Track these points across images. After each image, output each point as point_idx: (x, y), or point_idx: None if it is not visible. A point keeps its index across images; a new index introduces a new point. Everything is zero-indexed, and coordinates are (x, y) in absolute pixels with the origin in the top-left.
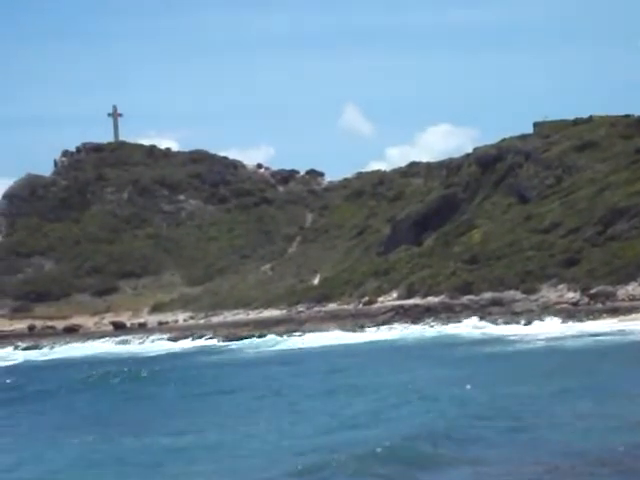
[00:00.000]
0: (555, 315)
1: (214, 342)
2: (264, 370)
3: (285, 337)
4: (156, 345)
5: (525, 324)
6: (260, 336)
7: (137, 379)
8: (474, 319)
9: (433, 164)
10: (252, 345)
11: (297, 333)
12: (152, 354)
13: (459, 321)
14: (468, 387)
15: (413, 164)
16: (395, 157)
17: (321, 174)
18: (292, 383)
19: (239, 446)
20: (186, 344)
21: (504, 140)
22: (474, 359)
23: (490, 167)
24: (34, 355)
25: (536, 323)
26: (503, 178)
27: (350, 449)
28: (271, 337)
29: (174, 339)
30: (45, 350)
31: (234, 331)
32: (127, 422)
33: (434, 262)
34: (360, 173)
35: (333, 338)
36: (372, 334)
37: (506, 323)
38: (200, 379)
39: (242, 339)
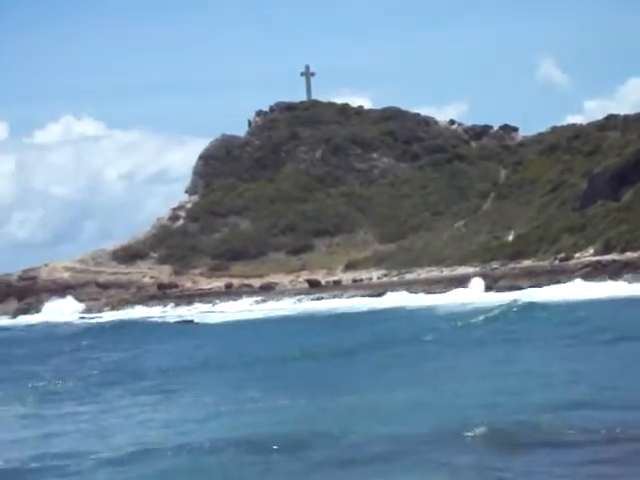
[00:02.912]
0: None
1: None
2: None
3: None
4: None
5: None
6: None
7: None
8: None
9: (631, 117)
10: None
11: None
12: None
13: None
14: None
15: (611, 117)
16: (592, 110)
17: (515, 129)
18: None
19: None
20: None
21: None
22: None
23: None
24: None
25: None
26: None
27: None
28: None
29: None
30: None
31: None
32: None
33: (632, 217)
34: (555, 127)
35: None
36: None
37: None
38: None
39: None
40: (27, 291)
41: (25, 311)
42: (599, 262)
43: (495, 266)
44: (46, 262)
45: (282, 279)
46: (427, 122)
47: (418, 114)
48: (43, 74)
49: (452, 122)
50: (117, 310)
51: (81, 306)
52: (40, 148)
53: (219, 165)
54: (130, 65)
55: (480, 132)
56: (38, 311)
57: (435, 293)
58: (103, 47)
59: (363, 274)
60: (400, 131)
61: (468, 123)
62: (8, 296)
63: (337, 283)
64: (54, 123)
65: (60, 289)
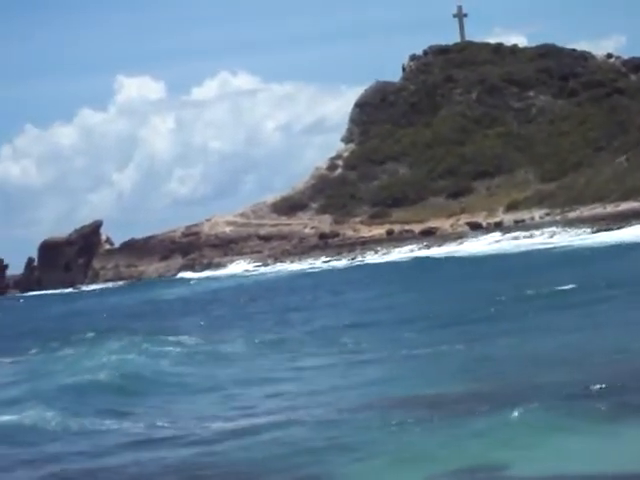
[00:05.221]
0: None
1: None
2: None
3: None
4: None
5: None
6: None
7: None
8: None
9: None
10: None
11: None
12: None
13: None
14: None
15: None
16: None
17: None
18: None
19: None
20: None
21: None
22: None
23: None
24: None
25: None
26: None
27: None
28: None
29: None
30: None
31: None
32: None
33: None
34: None
35: None
36: None
37: None
38: None
39: None
40: (191, 247)
41: (190, 267)
42: None
43: None
44: (208, 217)
45: (442, 223)
46: (584, 57)
47: (574, 50)
48: (196, 32)
49: (609, 56)
50: (282, 263)
51: (247, 261)
52: (198, 105)
53: (375, 112)
54: (283, 18)
55: (639, 64)
56: (205, 267)
57: (602, 231)
58: (255, 1)
59: (525, 214)
60: (556, 68)
61: (626, 56)
62: (173, 252)
63: (498, 225)
64: (210, 79)
65: (223, 243)
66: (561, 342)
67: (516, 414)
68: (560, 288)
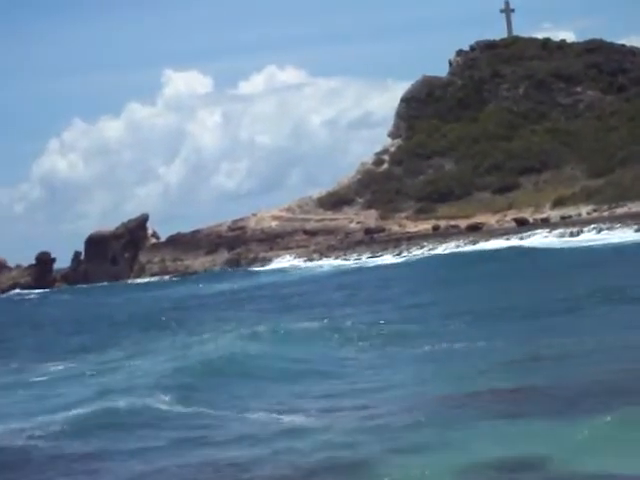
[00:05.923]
0: None
1: None
2: None
3: None
4: None
5: None
6: None
7: None
8: None
9: None
10: None
11: None
12: None
13: None
14: None
15: None
16: None
17: None
18: None
19: None
20: None
21: None
22: None
23: None
24: None
25: None
26: None
27: None
28: None
29: None
30: None
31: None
32: None
33: None
34: None
35: None
36: None
37: None
38: None
39: None
40: (237, 241)
41: (236, 261)
42: None
43: None
44: (254, 212)
45: (489, 219)
46: (633, 52)
47: (623, 45)
48: (244, 27)
49: None
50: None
51: (293, 256)
52: (244, 99)
53: (421, 107)
54: (330, 13)
55: None
56: (250, 262)
57: None
58: None
59: (571, 210)
60: (605, 63)
61: None
62: (219, 247)
63: (545, 221)
64: (257, 74)
65: (268, 238)
66: (626, 338)
67: (573, 413)
68: (620, 284)
